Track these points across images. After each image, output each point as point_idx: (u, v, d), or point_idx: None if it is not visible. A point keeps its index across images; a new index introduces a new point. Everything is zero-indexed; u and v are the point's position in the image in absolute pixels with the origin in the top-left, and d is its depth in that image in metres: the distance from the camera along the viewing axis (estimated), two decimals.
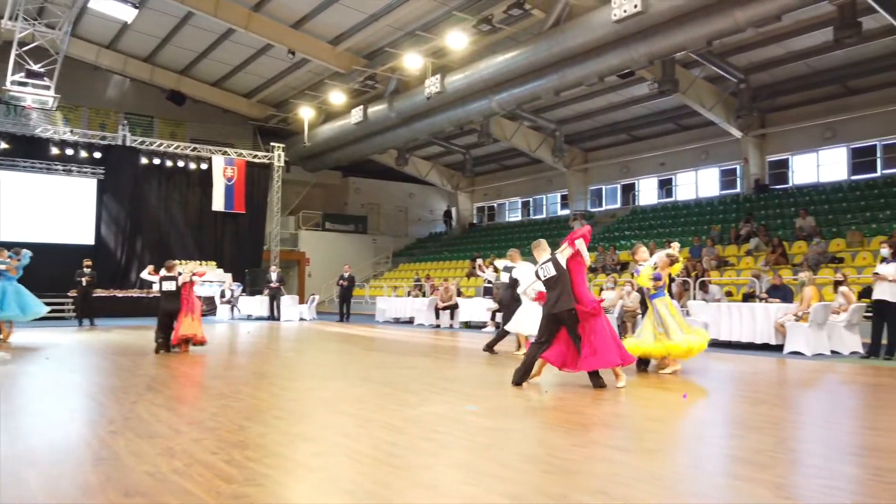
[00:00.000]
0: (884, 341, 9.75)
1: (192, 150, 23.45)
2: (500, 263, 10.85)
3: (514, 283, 10.07)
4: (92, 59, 23.35)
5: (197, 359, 9.67)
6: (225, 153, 24.15)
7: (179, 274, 10.51)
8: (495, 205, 32.39)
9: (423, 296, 20.24)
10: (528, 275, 9.65)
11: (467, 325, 17.89)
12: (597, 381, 6.69)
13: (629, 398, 6.29)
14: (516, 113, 22.12)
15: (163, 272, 10.62)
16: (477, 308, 17.59)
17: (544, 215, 29.61)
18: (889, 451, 4.25)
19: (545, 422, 5.16)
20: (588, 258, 7.09)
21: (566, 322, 6.71)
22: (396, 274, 28.40)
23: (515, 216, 31.12)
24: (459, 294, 18.76)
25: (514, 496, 3.31)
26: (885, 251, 9.84)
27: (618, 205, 26.18)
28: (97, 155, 21.72)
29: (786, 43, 17.09)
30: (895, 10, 13.97)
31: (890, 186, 17.90)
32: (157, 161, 22.72)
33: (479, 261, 19.07)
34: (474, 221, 32.64)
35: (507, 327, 10.24)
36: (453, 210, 33.34)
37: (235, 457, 4.00)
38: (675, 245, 8.50)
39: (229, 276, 22.48)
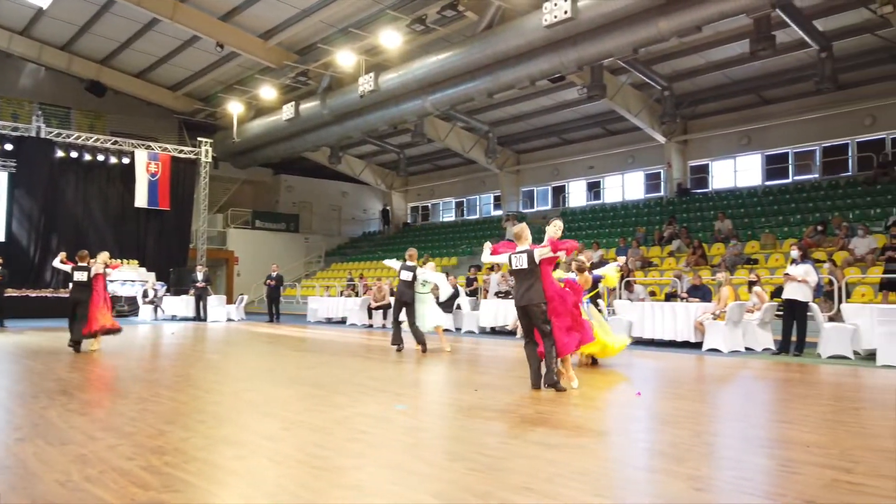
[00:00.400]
0: (793, 338, 10.30)
1: (113, 143, 22.46)
2: (392, 263, 11.19)
3: (414, 280, 10.54)
4: (3, 45, 22.01)
5: (115, 361, 9.28)
6: (148, 147, 23.24)
7: (93, 264, 10.35)
8: (429, 205, 32.45)
9: (356, 295, 20.08)
10: (430, 274, 10.71)
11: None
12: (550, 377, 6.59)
13: (555, 395, 6.40)
14: (450, 114, 22.25)
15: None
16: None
17: (477, 216, 29.88)
18: (796, 443, 4.49)
19: (473, 420, 5.20)
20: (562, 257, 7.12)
21: (533, 316, 6.64)
22: (329, 273, 28.05)
23: (449, 216, 31.28)
24: (392, 294, 18.68)
25: (440, 494, 3.32)
26: (795, 253, 10.41)
27: (548, 206, 26.69)
28: (8, 147, 20.55)
29: (706, 53, 17.86)
30: (806, 25, 14.87)
31: (800, 192, 18.98)
32: (74, 154, 21.66)
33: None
34: (408, 221, 32.61)
35: (419, 325, 10.59)
36: (388, 209, 33.23)
37: (153, 462, 3.86)
38: (622, 259, 8.91)
39: (152, 275, 21.68)
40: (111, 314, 10.69)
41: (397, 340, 10.69)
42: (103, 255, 10.72)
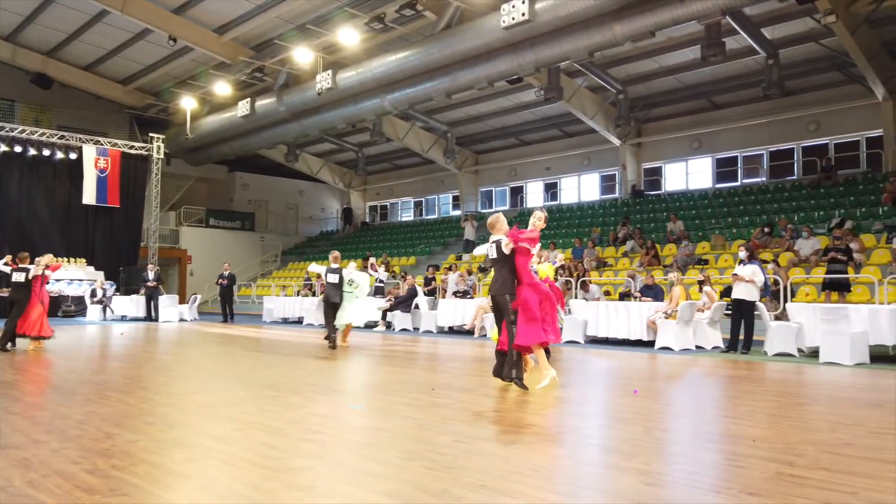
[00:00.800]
0: (741, 336, 10.61)
1: (60, 137, 21.74)
2: (316, 268, 11.89)
3: (341, 281, 11.18)
4: None
5: (61, 363, 8.98)
6: (97, 142, 22.57)
7: (32, 265, 10.29)
8: (388, 204, 32.35)
9: (313, 295, 19.87)
10: (355, 274, 11.51)
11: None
12: (513, 372, 6.53)
13: (510, 393, 6.46)
14: (409, 113, 22.21)
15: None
16: (368, 307, 17.46)
17: (436, 215, 29.90)
18: (742, 438, 4.62)
19: (428, 419, 5.20)
20: (534, 250, 7.02)
21: (501, 306, 6.66)
22: (285, 273, 27.69)
23: (408, 216, 31.22)
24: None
25: (395, 494, 3.31)
26: (743, 254, 10.72)
27: (507, 206, 26.89)
28: None
29: (659, 58, 18.26)
30: (754, 32, 15.33)
31: (748, 194, 19.55)
32: (18, 149, 20.88)
33: (372, 260, 18.98)
34: (366, 220, 32.44)
35: (337, 323, 11.26)
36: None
37: (100, 466, 3.75)
38: (560, 258, 9.05)
39: (101, 274, 21.06)
40: (45, 318, 10.62)
41: (343, 338, 11.30)
42: (46, 258, 10.68)
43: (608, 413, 5.89)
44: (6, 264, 10.66)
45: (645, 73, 19.27)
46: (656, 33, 14.47)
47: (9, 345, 10.13)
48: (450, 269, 18.74)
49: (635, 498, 3.28)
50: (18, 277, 10.35)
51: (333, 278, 11.08)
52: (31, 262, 10.51)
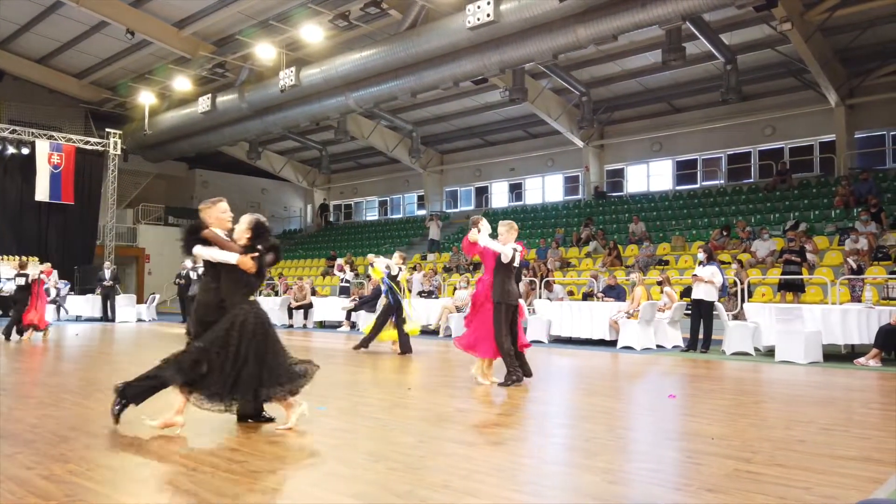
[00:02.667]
0: (700, 336, 10.83)
1: (11, 132, 21.04)
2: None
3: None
4: None
5: (13, 365, 8.69)
6: (51, 137, 21.90)
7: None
8: (352, 203, 32.16)
9: (276, 295, 19.63)
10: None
11: (322, 325, 17.59)
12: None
13: (473, 393, 6.48)
14: (374, 112, 22.11)
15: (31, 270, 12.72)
16: (332, 307, 17.36)
17: (401, 215, 29.83)
18: (701, 435, 4.73)
19: (394, 420, 5.19)
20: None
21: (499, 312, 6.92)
22: None
23: (373, 215, 31.09)
24: (314, 293, 18.40)
25: (360, 495, 3.30)
26: (702, 255, 10.96)
27: (472, 206, 26.97)
28: None
29: (621, 61, 18.55)
30: (713, 38, 15.68)
31: (707, 197, 19.97)
32: None
33: (340, 261, 18.88)
34: (331, 219, 32.19)
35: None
36: (309, 207, 32.67)
37: (55, 471, 3.65)
38: (395, 258, 10.68)
39: (55, 272, 20.41)
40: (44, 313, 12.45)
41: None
42: (44, 265, 13.16)
43: (571, 412, 5.96)
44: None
45: (608, 75, 19.54)
46: (619, 37, 14.71)
47: (13, 336, 11.90)
48: (414, 268, 18.71)
49: (598, 496, 3.33)
50: (20, 281, 12.33)
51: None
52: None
